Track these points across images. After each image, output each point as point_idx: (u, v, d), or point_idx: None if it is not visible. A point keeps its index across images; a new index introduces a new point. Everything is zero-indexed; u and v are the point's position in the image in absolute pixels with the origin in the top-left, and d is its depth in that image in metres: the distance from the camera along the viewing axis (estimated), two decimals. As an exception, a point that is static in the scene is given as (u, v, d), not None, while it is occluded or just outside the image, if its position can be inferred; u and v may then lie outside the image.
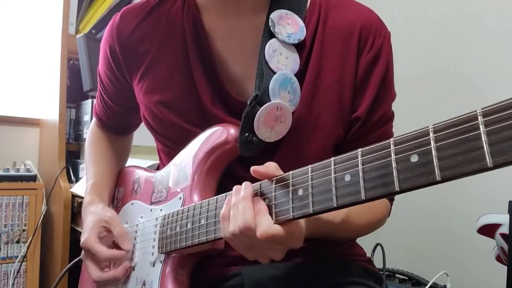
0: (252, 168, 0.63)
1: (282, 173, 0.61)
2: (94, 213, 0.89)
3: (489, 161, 0.38)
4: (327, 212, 0.54)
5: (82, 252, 0.87)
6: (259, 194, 0.62)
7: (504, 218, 1.24)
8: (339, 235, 0.78)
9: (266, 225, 0.59)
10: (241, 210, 0.61)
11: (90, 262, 0.85)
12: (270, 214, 0.60)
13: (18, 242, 1.94)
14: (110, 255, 0.85)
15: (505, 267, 1.19)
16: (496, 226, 1.31)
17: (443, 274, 1.43)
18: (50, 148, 2.10)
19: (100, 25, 2.04)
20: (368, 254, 1.00)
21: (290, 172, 0.59)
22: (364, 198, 0.48)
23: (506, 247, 1.24)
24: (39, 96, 2.27)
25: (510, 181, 1.63)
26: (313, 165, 0.55)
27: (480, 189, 1.75)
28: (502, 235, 1.28)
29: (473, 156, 0.39)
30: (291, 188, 0.57)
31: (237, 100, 0.80)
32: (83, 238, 0.86)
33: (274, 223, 0.59)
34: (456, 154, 0.40)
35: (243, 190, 0.63)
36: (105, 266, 0.86)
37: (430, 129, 0.42)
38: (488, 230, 1.34)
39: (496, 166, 0.38)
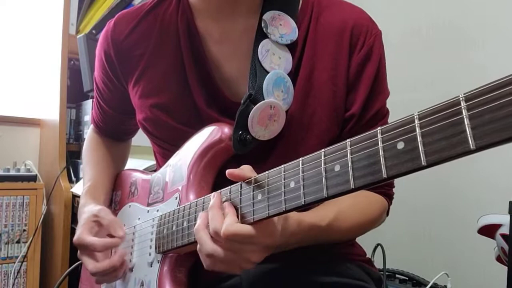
0: (228, 171, 0.65)
1: (256, 175, 0.63)
2: (86, 212, 0.89)
3: (471, 144, 0.38)
4: (317, 204, 0.54)
5: (79, 251, 0.87)
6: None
7: (504, 219, 1.23)
8: (329, 238, 0.77)
9: (227, 224, 0.60)
10: (210, 219, 0.64)
11: (86, 257, 0.85)
12: (245, 214, 0.62)
13: (18, 242, 1.94)
14: (103, 244, 0.84)
15: (506, 268, 1.19)
16: (497, 226, 1.30)
17: (444, 274, 1.43)
18: (51, 148, 2.10)
19: (101, 25, 2.03)
20: (369, 255, 1.00)
21: (282, 166, 0.59)
22: (353, 187, 0.49)
23: (506, 247, 1.23)
24: (40, 96, 2.27)
25: (510, 181, 1.62)
26: (304, 157, 0.56)
27: (480, 189, 1.75)
28: (503, 236, 1.28)
29: (457, 140, 0.39)
30: (283, 181, 0.58)
31: (231, 101, 0.81)
32: (75, 236, 0.86)
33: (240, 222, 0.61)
34: (440, 139, 0.41)
35: (211, 200, 0.66)
36: (101, 258, 0.85)
37: (415, 116, 0.43)
38: (488, 230, 1.33)
39: (479, 149, 0.38)
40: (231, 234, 0.60)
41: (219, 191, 0.69)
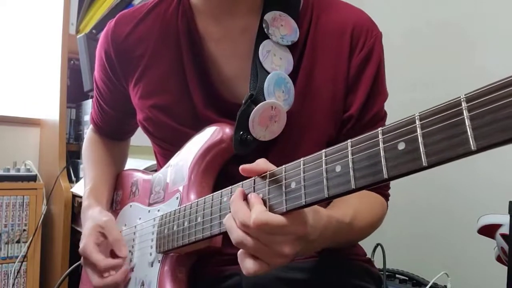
0: (241, 167, 0.62)
1: (272, 166, 0.61)
2: (91, 219, 0.89)
3: (472, 144, 0.38)
4: (321, 202, 0.54)
5: (82, 260, 0.88)
6: (254, 190, 0.62)
7: (504, 219, 1.23)
8: (347, 237, 0.77)
9: (257, 213, 0.57)
10: (233, 212, 0.60)
11: (89, 269, 0.86)
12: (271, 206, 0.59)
13: (18, 242, 1.94)
14: (107, 265, 0.84)
15: (506, 268, 1.19)
16: (497, 226, 1.30)
17: (444, 274, 1.43)
18: (51, 148, 2.10)
19: (101, 25, 2.03)
20: (368, 254, 1.00)
21: (283, 166, 0.59)
22: (354, 187, 0.49)
23: (506, 247, 1.23)
24: (40, 96, 2.27)
25: (510, 181, 1.62)
26: (305, 158, 0.56)
27: (480, 189, 1.75)
28: (503, 236, 1.27)
29: (458, 141, 0.39)
30: (284, 181, 0.58)
31: (230, 102, 0.81)
32: (81, 245, 0.86)
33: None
34: (442, 139, 0.41)
35: (233, 194, 0.63)
36: (105, 273, 0.86)
37: (416, 117, 0.43)
38: (488, 230, 1.33)
39: (480, 150, 0.38)
40: (263, 223, 0.55)
41: (240, 183, 0.65)
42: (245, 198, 0.61)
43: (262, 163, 0.62)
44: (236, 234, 0.59)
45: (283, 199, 0.57)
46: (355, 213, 0.74)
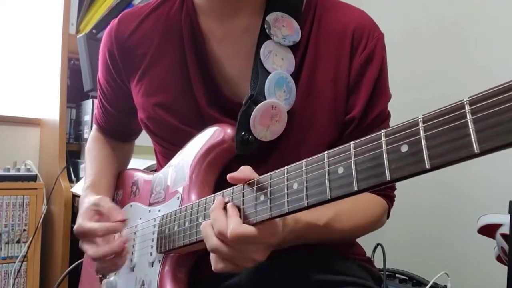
0: (229, 175, 0.65)
1: (257, 175, 0.64)
2: (86, 202, 0.88)
3: (476, 147, 0.39)
4: (322, 204, 0.54)
5: (80, 240, 0.85)
6: (243, 196, 0.64)
7: (504, 218, 1.23)
8: (327, 237, 0.77)
9: (234, 225, 0.61)
10: (213, 220, 0.64)
11: (87, 244, 0.83)
12: (247, 215, 0.63)
13: (18, 242, 1.94)
14: (103, 227, 0.82)
15: (506, 267, 1.19)
16: (497, 226, 1.30)
17: (444, 274, 1.43)
18: (51, 148, 2.10)
19: (101, 25, 2.03)
20: (368, 254, 1.00)
21: (285, 167, 0.59)
22: (356, 189, 0.49)
23: (506, 247, 1.23)
24: (40, 96, 2.27)
25: (510, 181, 1.63)
26: (307, 159, 0.56)
27: (480, 189, 1.75)
28: (503, 235, 1.28)
29: (461, 144, 0.40)
30: (286, 182, 0.58)
31: (233, 101, 0.81)
32: (76, 225, 0.85)
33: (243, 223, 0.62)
34: (445, 142, 0.41)
35: (214, 202, 0.67)
36: (102, 244, 0.83)
37: (419, 119, 0.43)
38: (488, 230, 1.33)
39: (483, 153, 0.38)
40: (238, 235, 0.60)
41: (221, 192, 0.69)
42: (225, 207, 0.65)
43: (247, 170, 0.65)
44: (212, 242, 0.64)
45: (285, 200, 0.57)
46: (335, 215, 0.75)
